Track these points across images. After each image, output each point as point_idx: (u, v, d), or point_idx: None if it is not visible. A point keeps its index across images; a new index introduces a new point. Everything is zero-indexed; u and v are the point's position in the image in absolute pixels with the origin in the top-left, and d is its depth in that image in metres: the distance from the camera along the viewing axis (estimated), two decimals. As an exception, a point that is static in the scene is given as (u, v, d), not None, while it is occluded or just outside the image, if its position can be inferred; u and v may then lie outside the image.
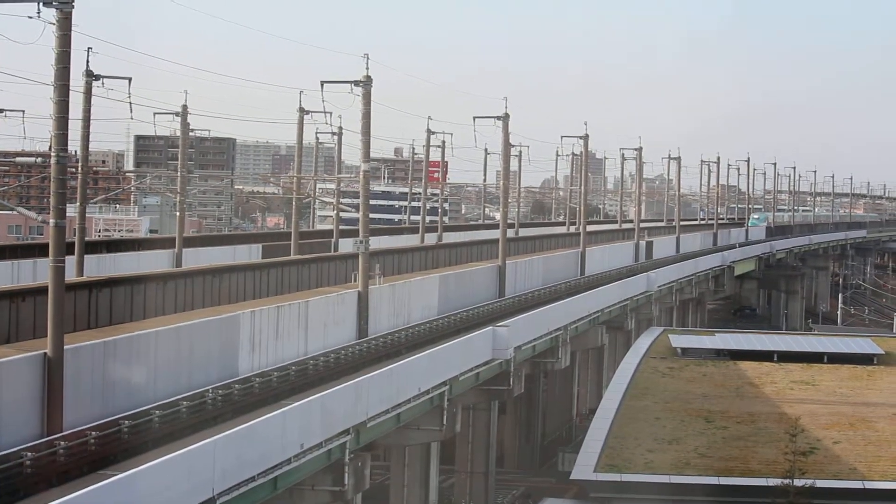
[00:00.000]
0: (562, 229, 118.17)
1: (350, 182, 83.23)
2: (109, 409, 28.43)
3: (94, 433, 26.10)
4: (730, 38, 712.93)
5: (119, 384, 29.31)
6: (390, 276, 51.70)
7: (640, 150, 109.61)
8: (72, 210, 43.33)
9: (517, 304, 62.54)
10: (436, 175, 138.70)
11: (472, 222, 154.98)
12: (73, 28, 27.00)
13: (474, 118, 67.55)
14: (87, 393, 28.21)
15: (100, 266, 50.09)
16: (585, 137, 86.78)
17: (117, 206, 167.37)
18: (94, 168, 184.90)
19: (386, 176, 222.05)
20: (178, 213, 60.31)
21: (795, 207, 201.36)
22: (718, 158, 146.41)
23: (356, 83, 45.45)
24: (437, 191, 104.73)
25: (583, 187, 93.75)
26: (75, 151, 61.51)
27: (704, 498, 45.65)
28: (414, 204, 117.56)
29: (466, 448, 52.74)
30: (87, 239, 49.36)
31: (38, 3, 26.53)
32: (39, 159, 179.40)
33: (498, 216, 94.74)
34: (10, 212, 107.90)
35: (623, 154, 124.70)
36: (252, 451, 27.14)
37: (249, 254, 65.97)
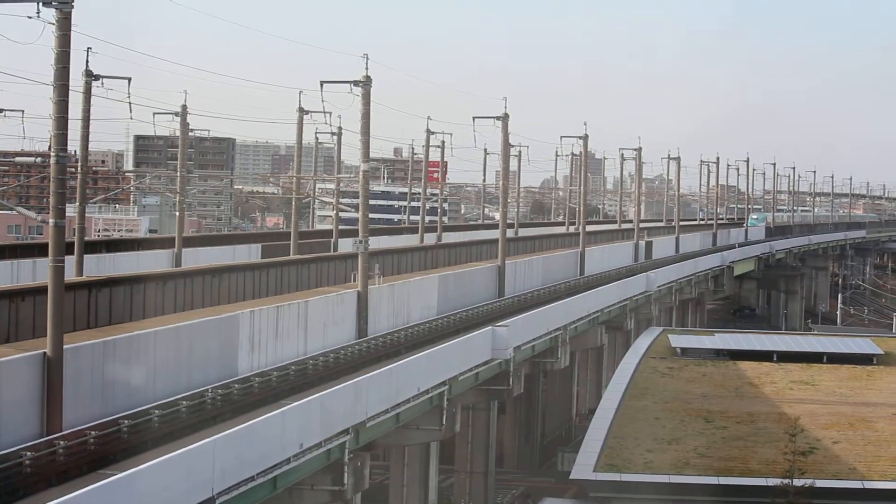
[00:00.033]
0: (561, 229, 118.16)
1: (349, 182, 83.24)
2: (109, 409, 28.43)
3: (93, 433, 26.10)
4: (730, 38, 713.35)
5: (118, 384, 29.31)
6: (390, 276, 51.70)
7: (639, 150, 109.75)
8: (71, 210, 43.27)
9: (517, 304, 62.54)
10: (435, 175, 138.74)
11: (471, 222, 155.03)
12: (72, 28, 27.02)
13: (474, 118, 67.60)
14: (87, 392, 28.21)
15: (99, 266, 50.10)
16: (585, 137, 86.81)
17: (117, 205, 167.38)
18: (94, 168, 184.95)
19: (385, 176, 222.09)
20: (177, 213, 60.33)
21: (795, 207, 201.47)
22: (718, 158, 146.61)
23: (356, 83, 45.45)
24: (437, 191, 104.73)
25: (582, 187, 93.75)
26: (75, 151, 61.53)
27: (704, 498, 45.66)
28: (413, 204, 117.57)
29: (466, 448, 52.76)
30: (86, 239, 49.36)
31: (38, 3, 26.54)
32: (39, 159, 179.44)
33: (497, 216, 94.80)
34: (9, 211, 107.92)
35: (622, 154, 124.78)
36: (251, 450, 27.14)
37: (249, 254, 65.99)
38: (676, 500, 45.87)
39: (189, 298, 40.24)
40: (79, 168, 50.47)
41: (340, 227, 77.24)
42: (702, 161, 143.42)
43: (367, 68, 45.32)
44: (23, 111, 61.57)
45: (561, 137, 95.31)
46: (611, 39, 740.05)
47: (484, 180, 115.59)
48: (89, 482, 22.59)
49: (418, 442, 43.18)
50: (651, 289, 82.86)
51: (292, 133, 65.71)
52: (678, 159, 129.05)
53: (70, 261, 38.02)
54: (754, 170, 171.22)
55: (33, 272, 45.87)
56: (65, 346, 26.84)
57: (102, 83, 48.04)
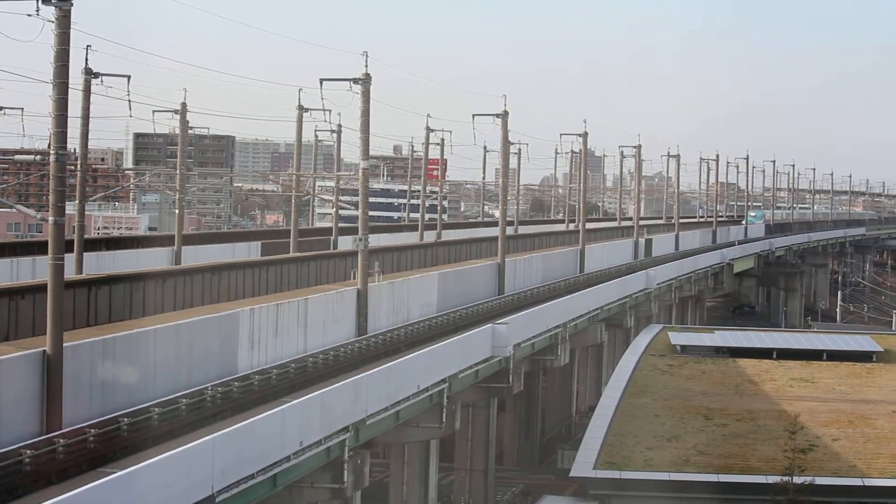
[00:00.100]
0: (561, 227, 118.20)
1: (349, 180, 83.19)
2: (108, 407, 28.43)
3: (93, 431, 26.08)
4: (730, 38, 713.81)
5: (118, 382, 29.31)
6: (389, 274, 51.69)
7: (639, 147, 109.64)
8: (71, 208, 43.31)
9: (516, 301, 62.54)
10: (435, 173, 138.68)
11: (471, 220, 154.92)
12: (71, 26, 27.01)
13: (473, 116, 67.47)
14: (87, 391, 28.21)
15: (99, 264, 50.11)
16: (584, 135, 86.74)
17: (116, 203, 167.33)
18: (94, 166, 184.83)
19: (385, 173, 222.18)
20: (177, 211, 60.32)
21: (794, 205, 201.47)
22: (717, 156, 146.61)
23: (355, 81, 45.45)
24: (437, 188, 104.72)
25: (582, 185, 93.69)
26: (74, 149, 61.54)
27: (704, 495, 45.65)
28: (413, 201, 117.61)
29: (466, 445, 52.76)
30: (86, 237, 49.39)
31: (37, 1, 26.53)
32: (38, 157, 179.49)
33: (497, 214, 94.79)
34: (9, 209, 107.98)
35: (622, 152, 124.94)
36: (251, 448, 27.13)
37: (249, 251, 66.02)
38: (676, 498, 45.86)
39: (189, 296, 40.24)
40: (78, 166, 50.48)
41: (340, 224, 77.24)
42: (701, 158, 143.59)
43: (366, 66, 45.35)
44: (22, 109, 61.66)
45: (560, 135, 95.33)
46: (611, 39, 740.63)
47: (483, 178, 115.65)
48: (89, 480, 22.58)
49: (418, 439, 43.18)
50: (651, 286, 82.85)
51: (292, 131, 65.72)
52: (678, 157, 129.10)
53: (70, 259, 38.04)
54: (754, 167, 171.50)
55: (33, 270, 45.88)
56: (64, 345, 26.84)
57: (102, 81, 48.07)
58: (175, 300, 39.32)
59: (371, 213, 53.25)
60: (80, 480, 23.59)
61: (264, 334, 37.07)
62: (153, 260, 55.79)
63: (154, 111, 58.75)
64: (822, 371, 63.46)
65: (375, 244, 54.56)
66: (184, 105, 58.28)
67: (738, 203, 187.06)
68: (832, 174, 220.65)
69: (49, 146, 29.41)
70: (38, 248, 49.18)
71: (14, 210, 46.19)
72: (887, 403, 56.79)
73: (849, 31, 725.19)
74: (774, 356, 65.88)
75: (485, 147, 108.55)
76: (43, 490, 23.41)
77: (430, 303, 52.72)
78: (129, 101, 50.27)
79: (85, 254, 46.71)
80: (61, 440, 25.03)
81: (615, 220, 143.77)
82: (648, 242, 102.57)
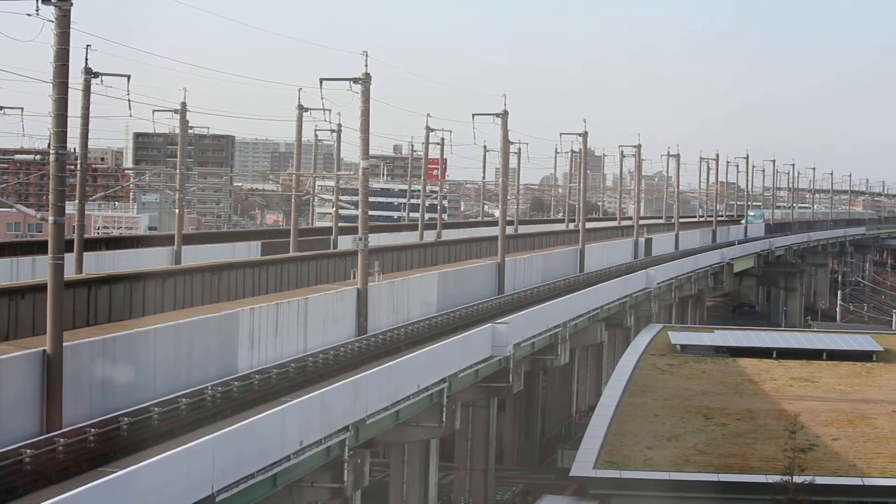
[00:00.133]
0: (561, 226, 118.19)
1: (349, 179, 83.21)
2: (109, 407, 28.42)
3: (93, 430, 26.07)
4: (730, 38, 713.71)
5: (118, 381, 29.30)
6: (389, 274, 51.68)
7: (639, 146, 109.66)
8: (71, 207, 43.30)
9: (516, 301, 62.53)
10: (435, 172, 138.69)
11: (471, 219, 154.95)
12: (71, 25, 27.00)
13: (473, 115, 67.46)
14: (87, 390, 28.20)
15: (99, 263, 50.10)
16: (584, 134, 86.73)
17: (116, 203, 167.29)
18: (93, 165, 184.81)
19: (385, 173, 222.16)
20: (177, 211, 60.30)
21: (794, 204, 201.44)
22: (717, 155, 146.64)
23: (355, 80, 45.44)
24: (437, 188, 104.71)
25: (582, 184, 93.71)
26: (74, 149, 61.55)
27: (704, 495, 45.67)
28: (413, 201, 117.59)
29: (466, 445, 52.75)
30: (86, 236, 49.37)
31: (37, 1, 26.52)
32: (38, 157, 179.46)
33: (497, 213, 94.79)
34: (9, 209, 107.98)
35: (622, 151, 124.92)
36: (251, 448, 27.13)
37: (249, 251, 66.02)
38: (676, 497, 45.87)
39: (189, 296, 40.23)
40: (78, 165, 50.48)
41: (340, 224, 77.23)
42: (701, 158, 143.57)
43: (366, 66, 45.34)
44: (22, 108, 61.72)
45: (560, 134, 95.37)
46: (611, 39, 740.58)
47: (483, 177, 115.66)
48: (89, 480, 22.58)
49: (418, 439, 43.18)
50: (651, 286, 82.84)
51: (292, 130, 65.75)
52: (678, 156, 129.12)
53: (70, 258, 38.05)
54: (754, 167, 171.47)
55: (33, 270, 45.87)
56: (64, 344, 26.83)
57: (102, 81, 48.06)
58: (175, 300, 39.31)
59: (371, 212, 53.24)
60: (80, 480, 23.59)
61: (264, 334, 37.07)
62: (153, 259, 55.79)
63: (154, 111, 58.80)
64: (822, 370, 63.47)
65: (375, 244, 54.54)
66: (184, 105, 58.27)
67: (738, 203, 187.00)
68: (832, 174, 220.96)
69: (49, 146, 29.42)
70: (38, 247, 49.18)
71: (14, 210, 46.18)
72: (887, 403, 56.80)
73: (849, 31, 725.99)
74: (774, 356, 65.89)
75: (485, 147, 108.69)
76: (43, 490, 23.41)
77: (429, 302, 52.72)
78: (129, 100, 50.31)
79: (85, 253, 46.70)
80: (61, 440, 25.02)
81: (615, 219, 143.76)
82: (648, 242, 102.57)
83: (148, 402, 29.27)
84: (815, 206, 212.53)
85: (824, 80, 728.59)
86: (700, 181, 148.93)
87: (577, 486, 50.05)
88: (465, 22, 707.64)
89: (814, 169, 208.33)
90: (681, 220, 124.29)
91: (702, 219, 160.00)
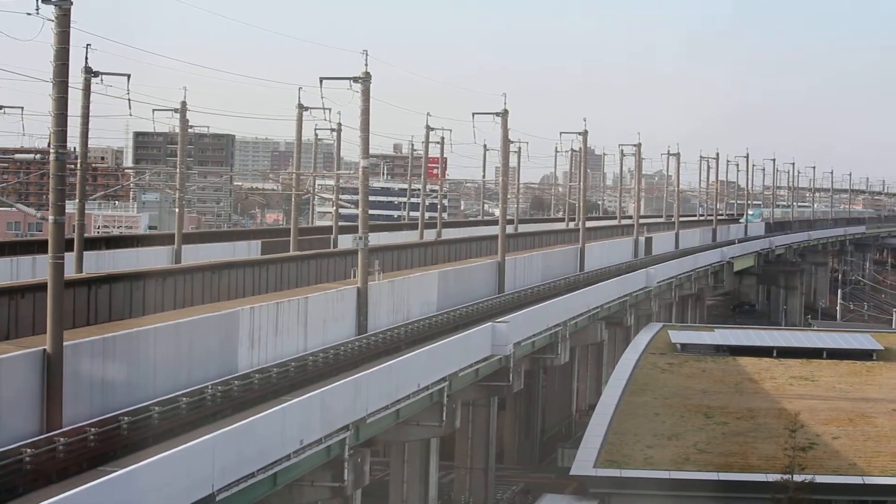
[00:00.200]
0: (561, 225, 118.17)
1: (349, 178, 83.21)
2: (109, 406, 28.42)
3: (93, 430, 26.07)
4: (729, 37, 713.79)
5: (118, 380, 29.30)
6: (389, 273, 51.69)
7: (639, 145, 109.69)
8: (71, 207, 43.26)
9: (516, 300, 62.52)
10: (435, 171, 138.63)
11: (471, 218, 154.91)
12: (71, 25, 27.00)
13: (473, 114, 67.46)
14: (87, 389, 28.20)
15: (99, 262, 50.10)
16: (584, 133, 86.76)
17: (116, 202, 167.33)
18: (94, 164, 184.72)
19: (385, 172, 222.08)
20: (177, 210, 60.29)
21: (794, 203, 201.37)
22: (717, 154, 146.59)
23: (355, 80, 45.43)
24: (437, 187, 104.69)
25: (582, 183, 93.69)
26: (74, 148, 61.60)
27: (704, 493, 45.68)
28: (413, 200, 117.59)
29: (466, 444, 52.76)
30: (86, 235, 49.35)
31: (37, 0, 26.51)
32: (38, 156, 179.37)
33: (497, 212, 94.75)
34: (9, 208, 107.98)
35: (622, 150, 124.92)
36: (251, 447, 27.13)
37: (249, 250, 66.00)
38: (676, 496, 45.89)
39: (189, 295, 40.22)
40: (78, 165, 50.44)
41: (340, 223, 77.25)
42: (701, 157, 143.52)
43: (366, 65, 45.33)
44: (22, 108, 61.63)
45: (560, 133, 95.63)
46: (610, 39, 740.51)
47: (483, 176, 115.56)
48: (89, 479, 22.58)
49: (418, 438, 43.18)
50: (651, 285, 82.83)
51: (292, 129, 65.69)
52: (678, 155, 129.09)
53: (70, 257, 38.03)
54: (754, 166, 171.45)
55: (33, 269, 45.86)
56: (64, 343, 26.83)
57: (102, 80, 48.02)
58: (175, 299, 39.30)
59: (371, 211, 53.23)
60: (81, 479, 23.59)
61: (264, 333, 37.07)
62: (153, 259, 55.78)
63: (154, 110, 58.75)
64: (823, 369, 63.49)
65: (375, 243, 54.53)
66: (184, 104, 58.25)
67: (738, 201, 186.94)
68: (832, 173, 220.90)
69: (49, 145, 29.42)
70: (38, 246, 49.16)
71: (14, 209, 46.14)
72: (887, 402, 56.83)
73: (849, 31, 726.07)
74: (774, 354, 65.92)
75: (485, 146, 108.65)
76: (43, 489, 23.41)
77: (430, 301, 52.71)
78: (129, 99, 50.21)
79: (85, 253, 46.68)
80: (61, 439, 25.02)
81: (615, 218, 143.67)
82: (648, 241, 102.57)
83: (148, 401, 29.27)
84: (815, 205, 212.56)
85: (824, 80, 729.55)
86: (700, 180, 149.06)
87: (577, 485, 50.06)
88: (465, 22, 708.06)
89: (814, 168, 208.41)
90: (681, 218, 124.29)
91: (702, 218, 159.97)
